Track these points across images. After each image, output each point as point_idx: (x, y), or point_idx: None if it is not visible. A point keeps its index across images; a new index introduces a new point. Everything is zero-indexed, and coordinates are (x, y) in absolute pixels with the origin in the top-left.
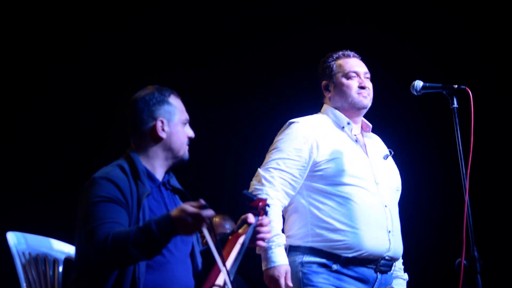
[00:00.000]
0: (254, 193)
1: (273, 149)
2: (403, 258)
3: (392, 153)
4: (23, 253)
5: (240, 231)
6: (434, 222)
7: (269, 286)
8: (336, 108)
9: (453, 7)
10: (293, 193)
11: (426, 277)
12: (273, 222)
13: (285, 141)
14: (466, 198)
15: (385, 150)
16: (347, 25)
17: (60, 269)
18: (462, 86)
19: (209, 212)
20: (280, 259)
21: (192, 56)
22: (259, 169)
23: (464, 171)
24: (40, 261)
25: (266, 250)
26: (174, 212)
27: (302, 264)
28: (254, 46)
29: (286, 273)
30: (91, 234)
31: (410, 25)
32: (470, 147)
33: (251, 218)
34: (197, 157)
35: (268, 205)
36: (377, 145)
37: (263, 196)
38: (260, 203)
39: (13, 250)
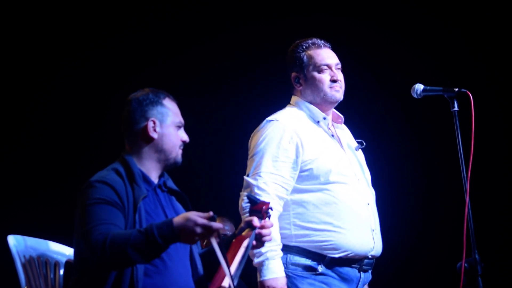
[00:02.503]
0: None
1: (257, 152)
2: (399, 260)
3: (364, 144)
4: (24, 256)
5: (243, 234)
6: (435, 225)
7: None
8: (308, 101)
9: (453, 10)
10: (286, 197)
11: (427, 280)
12: (272, 232)
13: (269, 142)
14: (467, 200)
15: (353, 140)
16: (347, 26)
17: (61, 272)
18: (463, 90)
19: (219, 225)
20: (281, 271)
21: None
22: (247, 178)
23: (464, 174)
24: (41, 264)
25: (266, 259)
26: (177, 219)
27: (287, 265)
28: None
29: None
30: (87, 235)
31: (409, 27)
32: (470, 149)
33: (255, 221)
34: (195, 159)
35: (271, 209)
36: (347, 136)
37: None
38: (264, 207)
39: (14, 253)
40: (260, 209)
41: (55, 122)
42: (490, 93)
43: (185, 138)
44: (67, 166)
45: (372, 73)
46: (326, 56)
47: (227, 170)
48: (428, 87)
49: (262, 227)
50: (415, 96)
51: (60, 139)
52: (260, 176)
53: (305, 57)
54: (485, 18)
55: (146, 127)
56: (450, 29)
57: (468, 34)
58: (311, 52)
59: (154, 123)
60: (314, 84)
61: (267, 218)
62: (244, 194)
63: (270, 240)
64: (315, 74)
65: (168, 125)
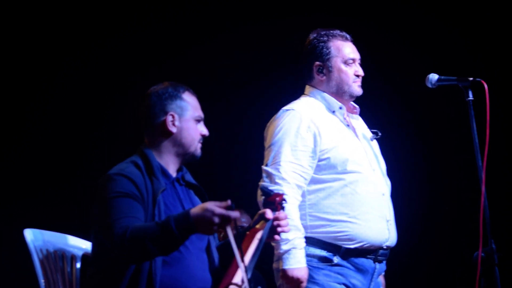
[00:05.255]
0: None
1: (275, 142)
2: (415, 250)
3: (379, 134)
4: (41, 250)
5: (257, 226)
6: (451, 214)
7: (289, 285)
8: (324, 91)
9: None
10: (304, 186)
11: (444, 270)
12: (295, 221)
13: (286, 131)
14: (483, 190)
15: (368, 131)
16: (358, 17)
17: (78, 265)
18: (477, 79)
19: (236, 214)
20: (305, 261)
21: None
22: (266, 168)
23: (480, 163)
24: (58, 258)
25: (293, 248)
26: (195, 210)
27: None
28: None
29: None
30: (109, 228)
31: (425, 16)
32: (486, 139)
33: (269, 213)
34: (212, 151)
35: (285, 200)
36: (362, 126)
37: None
38: (277, 198)
39: (31, 247)
40: (273, 200)
41: (72, 116)
42: (505, 82)
43: (205, 132)
44: (83, 160)
45: (386, 62)
46: (352, 50)
47: (244, 162)
48: (442, 77)
49: (276, 219)
50: (429, 86)
51: (78, 132)
52: (280, 165)
53: (332, 48)
54: (500, 6)
55: (165, 121)
56: (465, 18)
57: (482, 23)
58: (338, 43)
59: (173, 117)
60: (339, 77)
61: (281, 210)
62: (264, 184)
63: (287, 232)
64: (342, 66)
65: (187, 119)
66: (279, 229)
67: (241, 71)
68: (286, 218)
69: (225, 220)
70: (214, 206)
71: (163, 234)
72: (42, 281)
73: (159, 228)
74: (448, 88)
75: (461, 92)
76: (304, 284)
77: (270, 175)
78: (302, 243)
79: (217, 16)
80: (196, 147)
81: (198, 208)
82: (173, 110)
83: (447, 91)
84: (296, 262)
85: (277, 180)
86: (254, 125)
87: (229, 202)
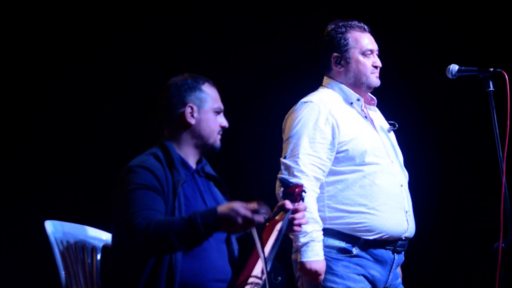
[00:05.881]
0: None
1: (293, 134)
2: (435, 241)
3: (396, 126)
4: (61, 241)
5: (277, 217)
6: (471, 205)
7: (307, 277)
8: (342, 83)
9: None
10: (323, 179)
11: (463, 261)
12: (313, 214)
13: (305, 123)
14: (504, 181)
15: (385, 122)
16: (377, 7)
17: (98, 256)
18: (498, 69)
19: (260, 218)
20: (322, 253)
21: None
22: (284, 160)
23: (501, 154)
24: (78, 249)
25: (311, 241)
26: (222, 208)
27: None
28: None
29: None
30: (128, 220)
31: (445, 6)
32: (506, 130)
33: (288, 204)
34: (232, 143)
35: (305, 191)
36: (379, 118)
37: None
38: (297, 189)
39: (51, 239)
40: (293, 191)
41: (91, 106)
42: None
43: (224, 123)
44: (104, 151)
45: (405, 53)
46: (370, 41)
47: (264, 154)
48: (463, 68)
49: (295, 210)
50: (449, 76)
51: (97, 124)
52: (298, 157)
53: (350, 39)
54: None
55: (184, 113)
56: (485, 8)
57: (503, 13)
58: (356, 34)
59: (192, 108)
60: (357, 68)
61: (300, 201)
62: (283, 177)
63: (306, 223)
64: (360, 57)
65: (207, 111)
66: (297, 221)
67: (260, 62)
68: (305, 209)
69: (249, 223)
70: (239, 207)
71: (189, 229)
72: (62, 272)
73: (185, 223)
74: (469, 78)
75: (482, 82)
76: (322, 276)
77: (288, 168)
78: (320, 235)
79: (239, 9)
80: (215, 138)
81: (225, 206)
82: (192, 101)
83: (467, 82)
84: (315, 254)
85: (295, 173)
86: (273, 117)
87: (255, 205)
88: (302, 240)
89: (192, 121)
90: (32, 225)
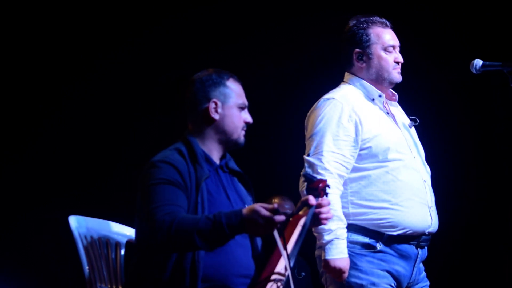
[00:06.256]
0: None
1: (316, 132)
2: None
3: (418, 121)
4: (85, 237)
5: (300, 213)
6: (492, 201)
7: (331, 275)
8: (364, 79)
9: None
10: (346, 176)
11: (484, 256)
12: (337, 211)
13: (328, 121)
14: None
15: (406, 118)
16: (399, 3)
17: (122, 252)
18: None
19: (281, 218)
20: (346, 251)
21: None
22: (308, 158)
23: None
24: (102, 245)
25: (336, 238)
26: (245, 210)
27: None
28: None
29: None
30: (151, 215)
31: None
32: None
33: (311, 199)
34: (256, 139)
35: (329, 186)
36: (400, 114)
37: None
38: (320, 184)
39: (75, 234)
40: (316, 187)
41: (117, 103)
42: None
43: (249, 119)
44: (127, 146)
45: (428, 48)
46: (392, 36)
47: (287, 150)
48: (487, 62)
49: (319, 206)
50: (474, 71)
51: (122, 119)
52: (322, 155)
53: (372, 35)
54: None
55: (208, 108)
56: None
57: None
58: (378, 30)
59: (216, 104)
60: (379, 64)
61: (324, 196)
62: (302, 174)
63: (330, 218)
64: (382, 53)
65: (231, 106)
66: (321, 215)
67: (284, 60)
68: (329, 204)
69: (270, 223)
70: (260, 207)
71: (213, 229)
72: (86, 268)
73: (209, 222)
74: (493, 73)
75: (506, 77)
76: (346, 274)
77: (312, 165)
78: (344, 233)
79: (264, 7)
80: (239, 134)
81: (248, 208)
82: (216, 97)
83: (491, 77)
84: (339, 252)
85: (319, 170)
86: (297, 112)
87: (275, 205)
88: (326, 238)
89: (216, 117)
90: (56, 221)
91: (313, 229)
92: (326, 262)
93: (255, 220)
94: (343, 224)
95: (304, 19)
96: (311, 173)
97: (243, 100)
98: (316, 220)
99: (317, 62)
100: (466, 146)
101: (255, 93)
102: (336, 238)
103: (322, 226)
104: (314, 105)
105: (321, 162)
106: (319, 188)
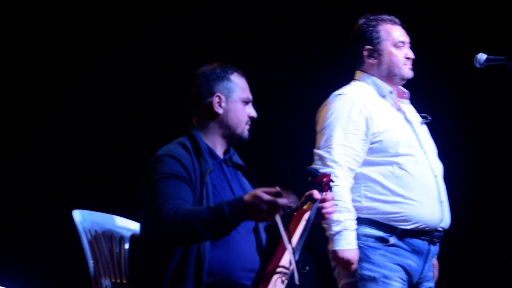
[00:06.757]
0: None
1: (327, 125)
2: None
3: (429, 119)
4: (89, 231)
5: (304, 207)
6: (503, 196)
7: (339, 266)
8: (375, 76)
9: None
10: (357, 169)
11: (495, 253)
12: (346, 203)
13: (338, 115)
14: None
15: (417, 116)
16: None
17: (126, 246)
18: None
19: (284, 201)
20: (356, 243)
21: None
22: (318, 151)
23: None
24: (106, 239)
25: (344, 229)
26: (247, 197)
27: (359, 236)
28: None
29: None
30: (156, 210)
31: None
32: None
33: (316, 194)
34: (259, 132)
35: (333, 180)
36: (411, 111)
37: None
38: (324, 179)
39: (79, 228)
40: (320, 181)
41: (120, 98)
42: None
43: (253, 113)
44: (131, 140)
45: (430, 45)
46: (401, 33)
47: (291, 143)
48: (491, 57)
49: (323, 200)
50: (477, 65)
51: (124, 115)
52: (332, 148)
53: (382, 32)
54: None
55: (211, 102)
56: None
57: None
58: (387, 27)
59: (220, 98)
60: (390, 60)
61: (328, 191)
62: (316, 167)
63: (334, 212)
64: (392, 49)
65: (234, 101)
66: (325, 210)
67: (286, 56)
68: (333, 198)
69: (273, 207)
70: (262, 193)
71: (216, 218)
72: (91, 262)
73: (212, 212)
74: (497, 67)
75: (508, 73)
76: (355, 265)
77: (322, 158)
78: (353, 225)
79: (263, 7)
80: (243, 129)
81: (249, 194)
82: (220, 91)
83: (495, 71)
84: (347, 243)
85: (328, 163)
86: (303, 107)
87: (277, 188)
88: (335, 228)
89: (220, 111)
90: (61, 215)
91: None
92: (335, 253)
93: (258, 205)
94: (352, 215)
95: (304, 18)
96: (317, 166)
97: (247, 94)
98: (321, 214)
99: (318, 58)
100: (466, 146)
101: (258, 88)
102: (344, 229)
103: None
104: (325, 100)
105: (331, 154)
106: (323, 182)
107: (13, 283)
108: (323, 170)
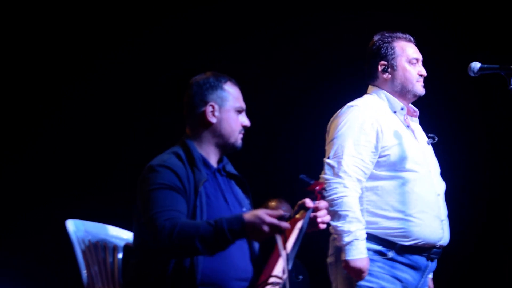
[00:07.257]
0: (331, 187)
1: (338, 136)
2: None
3: (436, 139)
4: (83, 240)
5: (297, 216)
6: (503, 212)
7: (351, 274)
8: (387, 91)
9: None
10: (364, 180)
11: (494, 270)
12: (356, 213)
13: (350, 126)
14: None
15: (424, 135)
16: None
17: (120, 256)
18: None
19: (287, 225)
20: (366, 252)
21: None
22: (329, 161)
23: None
24: (99, 248)
25: (356, 239)
26: (248, 216)
27: None
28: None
29: None
30: (150, 221)
31: (465, 5)
32: None
33: (308, 202)
34: (253, 141)
35: (325, 189)
36: (419, 130)
37: (339, 189)
38: (317, 187)
39: (73, 238)
40: (313, 190)
41: (111, 107)
42: None
43: (246, 123)
44: (124, 150)
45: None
46: (415, 50)
47: (284, 152)
48: (485, 65)
49: (316, 209)
50: (471, 74)
51: (118, 123)
52: (342, 158)
53: (397, 48)
54: None
55: (205, 111)
56: (506, 5)
57: None
58: (402, 44)
59: (213, 107)
60: (404, 75)
61: (321, 199)
62: (327, 177)
63: (327, 221)
64: (407, 65)
65: (228, 110)
66: (319, 219)
67: (282, 64)
68: (326, 207)
69: (275, 230)
70: (264, 214)
71: (215, 235)
72: (84, 271)
73: (211, 229)
74: (491, 76)
75: (504, 80)
76: (366, 274)
77: (332, 168)
78: (363, 234)
79: (287, 10)
80: (236, 138)
81: (250, 214)
82: (214, 100)
83: (489, 80)
84: (359, 253)
85: (338, 173)
86: (293, 116)
87: (281, 212)
88: (346, 239)
89: (213, 120)
90: (54, 224)
91: (331, 231)
92: (347, 262)
93: (258, 226)
94: (362, 225)
95: (329, 27)
96: (330, 175)
97: (240, 103)
98: (313, 223)
99: (314, 67)
100: (466, 146)
101: (252, 96)
102: (355, 239)
103: (341, 228)
104: (338, 111)
105: (341, 165)
106: (315, 191)
107: (13, 283)
108: (333, 180)
